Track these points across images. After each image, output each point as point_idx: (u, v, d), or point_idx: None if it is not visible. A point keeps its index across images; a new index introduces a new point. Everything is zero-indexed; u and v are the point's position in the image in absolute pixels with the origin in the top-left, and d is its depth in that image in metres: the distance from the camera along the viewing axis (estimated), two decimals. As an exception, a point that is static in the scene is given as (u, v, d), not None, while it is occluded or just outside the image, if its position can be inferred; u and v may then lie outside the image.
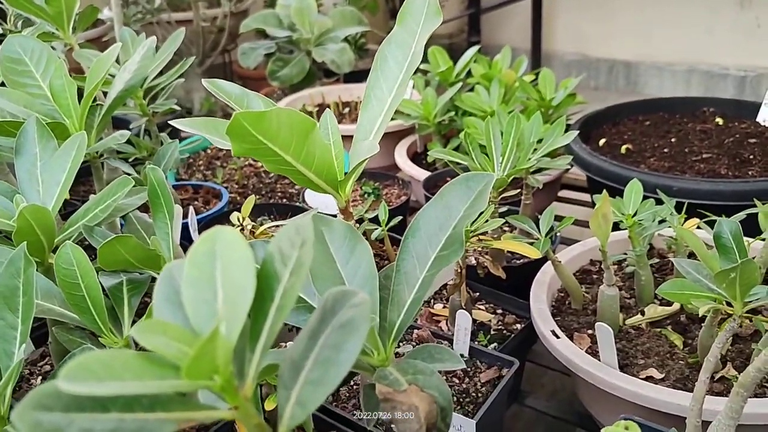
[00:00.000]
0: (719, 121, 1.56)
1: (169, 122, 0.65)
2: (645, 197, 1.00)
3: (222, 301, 0.34)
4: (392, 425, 0.49)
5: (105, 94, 1.12)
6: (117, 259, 0.70)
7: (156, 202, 0.79)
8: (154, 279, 0.79)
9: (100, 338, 0.69)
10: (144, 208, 0.90)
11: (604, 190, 0.90)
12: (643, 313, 0.99)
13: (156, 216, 0.79)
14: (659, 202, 1.03)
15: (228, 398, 0.33)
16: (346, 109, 2.08)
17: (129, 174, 1.09)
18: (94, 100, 1.01)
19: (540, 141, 1.12)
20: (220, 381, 0.32)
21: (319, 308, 0.38)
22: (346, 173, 0.68)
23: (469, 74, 1.73)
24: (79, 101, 0.99)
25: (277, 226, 1.13)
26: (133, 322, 0.72)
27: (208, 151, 1.84)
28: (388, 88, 0.69)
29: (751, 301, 0.60)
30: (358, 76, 2.42)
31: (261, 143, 0.51)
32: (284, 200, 1.56)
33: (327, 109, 0.72)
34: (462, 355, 0.94)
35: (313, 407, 0.35)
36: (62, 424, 0.30)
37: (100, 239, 0.77)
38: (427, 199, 1.41)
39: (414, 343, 0.95)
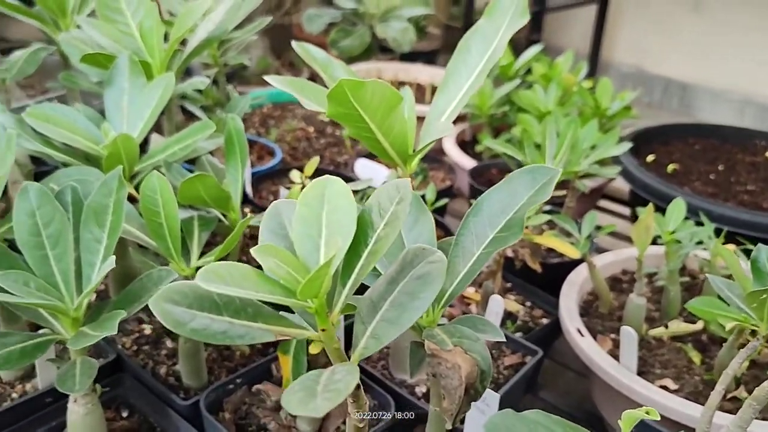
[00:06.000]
0: (769, 155, 1.58)
1: (265, 77, 0.70)
2: (685, 218, 1.03)
3: (325, 238, 0.39)
4: (434, 377, 0.54)
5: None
6: (194, 195, 0.75)
7: (231, 149, 0.84)
8: (219, 219, 0.85)
9: (169, 263, 0.75)
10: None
11: (650, 203, 0.94)
12: (666, 327, 1.03)
13: (229, 161, 0.84)
14: (699, 225, 1.06)
15: (319, 321, 0.39)
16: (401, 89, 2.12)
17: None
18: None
19: (593, 147, 1.16)
20: (315, 305, 0.37)
21: (399, 260, 0.43)
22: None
23: (528, 72, 1.76)
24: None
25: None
26: (200, 255, 0.78)
27: (264, 109, 1.89)
28: (466, 75, 0.73)
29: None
30: (414, 56, 2.45)
31: (354, 109, 0.56)
32: (332, 167, 1.62)
33: (406, 86, 0.76)
34: (488, 338, 0.98)
35: (386, 341, 0.40)
36: (186, 318, 0.36)
37: (176, 175, 0.83)
38: (472, 187, 1.45)
39: (446, 319, 1.00)
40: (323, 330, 0.39)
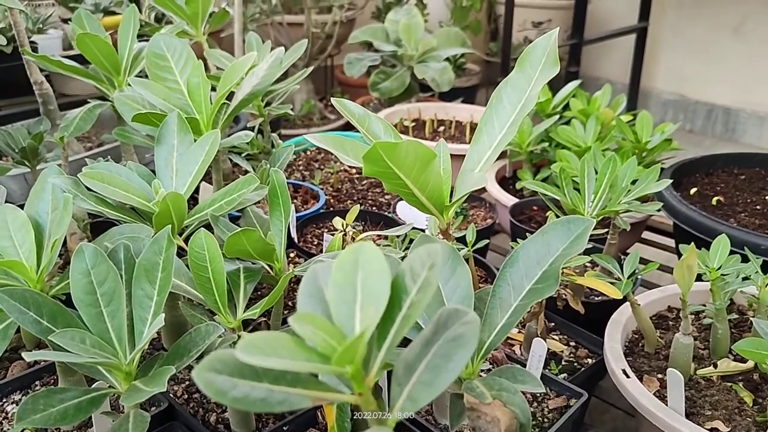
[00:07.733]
0: (819, 184, 1.54)
1: (305, 136, 0.73)
2: (731, 252, 1.02)
3: (360, 303, 0.41)
4: (474, 430, 0.55)
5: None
6: (239, 249, 0.78)
7: (274, 201, 0.87)
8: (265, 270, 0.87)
9: (216, 317, 0.78)
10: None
11: (692, 242, 0.93)
12: (715, 366, 1.01)
13: (273, 213, 0.87)
14: (745, 258, 1.05)
15: (355, 385, 0.40)
16: (441, 128, 2.14)
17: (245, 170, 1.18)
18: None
19: (633, 182, 1.15)
20: (351, 370, 0.39)
21: (434, 321, 0.44)
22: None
23: (566, 107, 1.77)
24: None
25: (379, 236, 1.20)
26: (247, 306, 0.80)
27: (308, 152, 1.94)
28: (499, 126, 0.75)
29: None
30: (454, 92, 2.49)
31: (389, 168, 0.58)
32: (374, 208, 1.64)
33: (442, 140, 0.78)
34: (532, 380, 0.98)
35: (423, 404, 0.41)
36: (228, 387, 0.38)
37: (223, 228, 0.87)
38: (513, 225, 1.46)
39: (489, 362, 1.01)
40: (360, 394, 0.41)
